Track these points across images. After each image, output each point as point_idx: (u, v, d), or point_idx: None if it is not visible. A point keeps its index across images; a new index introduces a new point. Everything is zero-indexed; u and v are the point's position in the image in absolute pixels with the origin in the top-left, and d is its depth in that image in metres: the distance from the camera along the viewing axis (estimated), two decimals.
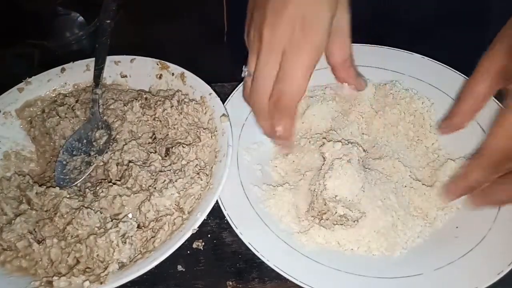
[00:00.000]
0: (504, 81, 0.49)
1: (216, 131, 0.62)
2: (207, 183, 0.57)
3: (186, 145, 0.60)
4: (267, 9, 0.52)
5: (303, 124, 0.66)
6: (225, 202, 0.56)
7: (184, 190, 0.56)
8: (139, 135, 0.64)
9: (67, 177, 0.61)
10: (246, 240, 0.52)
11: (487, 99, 0.51)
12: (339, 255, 0.54)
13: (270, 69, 0.53)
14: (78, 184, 0.60)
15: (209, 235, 0.59)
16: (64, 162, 0.62)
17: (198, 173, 0.57)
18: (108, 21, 0.68)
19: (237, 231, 0.53)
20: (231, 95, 0.67)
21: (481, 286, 0.48)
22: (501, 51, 0.48)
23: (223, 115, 0.62)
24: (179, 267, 0.56)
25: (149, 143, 0.63)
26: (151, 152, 0.61)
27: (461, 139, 0.61)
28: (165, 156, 0.60)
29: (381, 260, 0.53)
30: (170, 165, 0.59)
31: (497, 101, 0.61)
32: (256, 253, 0.52)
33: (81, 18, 1.86)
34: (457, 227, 0.55)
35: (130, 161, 0.59)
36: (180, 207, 0.55)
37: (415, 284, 0.50)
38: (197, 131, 0.60)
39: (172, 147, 0.60)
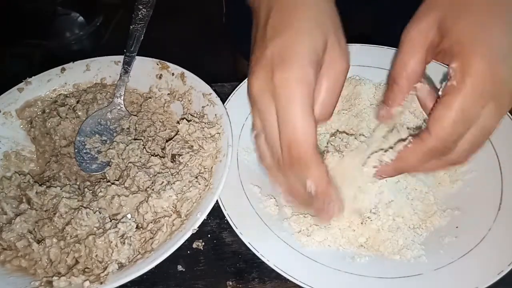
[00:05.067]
0: (433, 56, 0.46)
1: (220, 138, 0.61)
2: (206, 185, 0.57)
3: (193, 154, 0.60)
4: (252, 61, 0.47)
5: None
6: (225, 202, 0.56)
7: (182, 193, 0.56)
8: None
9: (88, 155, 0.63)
10: (246, 240, 0.52)
11: (420, 77, 0.46)
12: (339, 255, 0.53)
13: (270, 122, 0.45)
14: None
15: (209, 235, 0.59)
16: (81, 144, 0.64)
17: (196, 177, 0.57)
18: (144, 9, 0.68)
19: (237, 231, 0.53)
20: (231, 95, 0.67)
21: (481, 286, 0.48)
22: (430, 24, 0.44)
23: (223, 115, 0.62)
24: (179, 267, 0.56)
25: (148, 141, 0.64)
26: (152, 155, 0.61)
27: None
28: (172, 161, 0.60)
29: (381, 260, 0.53)
30: (168, 168, 0.60)
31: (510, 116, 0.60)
32: (256, 253, 0.51)
33: (81, 18, 1.87)
34: (457, 227, 0.55)
35: (129, 162, 0.59)
36: (177, 210, 0.55)
37: (415, 284, 0.50)
38: (202, 142, 0.61)
39: (179, 155, 0.60)
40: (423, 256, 0.52)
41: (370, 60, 0.71)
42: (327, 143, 0.60)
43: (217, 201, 0.55)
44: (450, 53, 0.42)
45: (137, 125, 0.66)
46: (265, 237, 0.53)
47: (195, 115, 0.65)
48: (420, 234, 0.55)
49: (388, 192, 0.56)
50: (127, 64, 0.69)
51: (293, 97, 0.43)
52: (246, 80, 0.68)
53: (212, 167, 0.59)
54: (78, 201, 0.56)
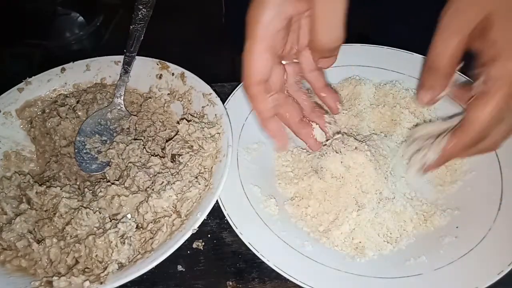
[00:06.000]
0: (470, 42, 0.46)
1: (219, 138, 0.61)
2: (206, 185, 0.57)
3: (193, 154, 0.60)
4: None
5: None
6: (225, 202, 0.56)
7: (182, 193, 0.56)
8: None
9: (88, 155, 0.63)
10: (246, 240, 0.52)
11: (460, 61, 0.47)
12: (339, 255, 0.54)
13: None
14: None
15: (209, 235, 0.59)
16: (81, 144, 0.64)
17: (196, 177, 0.57)
18: (144, 9, 0.67)
19: (237, 231, 0.53)
20: (231, 95, 0.67)
21: (481, 286, 0.48)
22: (476, 15, 0.44)
23: (223, 115, 0.62)
24: (179, 267, 0.56)
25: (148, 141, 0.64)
26: (152, 155, 0.61)
27: None
28: (172, 161, 0.60)
29: (381, 260, 0.53)
30: (168, 168, 0.59)
31: None
32: (256, 253, 0.51)
33: (81, 18, 1.87)
34: (457, 227, 0.55)
35: (129, 162, 0.59)
36: (177, 210, 0.55)
37: (415, 284, 0.50)
38: (202, 142, 0.61)
39: (179, 155, 0.60)
40: (423, 256, 0.52)
41: (370, 60, 0.71)
42: (327, 145, 0.60)
43: (217, 201, 0.55)
44: (486, 50, 0.44)
45: (137, 125, 0.66)
46: (265, 237, 0.53)
47: (195, 115, 0.65)
48: (420, 233, 0.56)
49: (388, 192, 0.57)
50: (127, 64, 0.68)
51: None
52: None
53: (212, 167, 0.58)
54: (78, 201, 0.56)
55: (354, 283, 0.50)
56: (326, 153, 0.58)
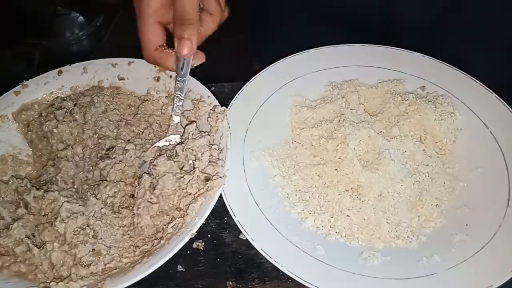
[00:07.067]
0: None
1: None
2: (206, 186, 0.56)
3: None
4: None
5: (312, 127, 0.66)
6: (235, 209, 0.55)
7: (183, 189, 0.55)
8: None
9: None
10: (258, 246, 0.51)
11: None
12: (352, 256, 0.53)
13: None
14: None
15: (209, 235, 0.59)
16: None
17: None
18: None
19: (249, 238, 0.52)
20: (234, 99, 0.66)
21: (496, 284, 0.47)
22: None
23: (221, 112, 0.62)
24: (179, 267, 0.56)
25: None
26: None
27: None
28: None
29: (394, 261, 0.53)
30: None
31: (508, 107, 0.62)
32: (269, 259, 0.51)
33: (81, 18, 1.86)
34: (467, 225, 0.55)
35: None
36: (180, 206, 0.55)
37: (430, 284, 0.49)
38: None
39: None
40: (435, 255, 0.52)
41: (372, 59, 0.71)
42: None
43: (217, 201, 0.54)
44: None
45: (134, 128, 0.65)
46: (277, 242, 0.53)
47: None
48: (428, 232, 0.56)
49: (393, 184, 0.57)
50: (180, 91, 0.63)
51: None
52: (247, 84, 0.68)
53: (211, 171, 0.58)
54: (79, 205, 0.56)
55: (372, 286, 0.50)
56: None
